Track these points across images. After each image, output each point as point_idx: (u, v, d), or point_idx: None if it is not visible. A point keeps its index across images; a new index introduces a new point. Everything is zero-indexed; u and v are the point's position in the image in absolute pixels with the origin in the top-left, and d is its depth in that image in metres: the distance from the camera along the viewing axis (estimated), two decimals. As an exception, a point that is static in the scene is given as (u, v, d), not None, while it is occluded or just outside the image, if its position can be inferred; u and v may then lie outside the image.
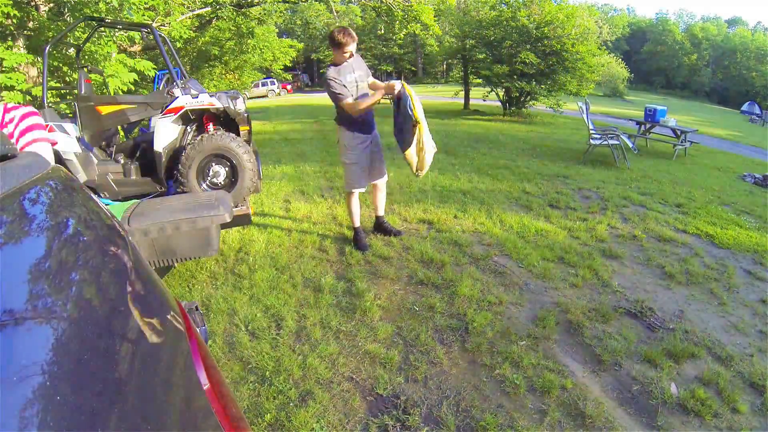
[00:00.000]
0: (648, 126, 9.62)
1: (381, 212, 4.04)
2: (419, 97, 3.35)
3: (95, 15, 5.00)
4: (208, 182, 3.48)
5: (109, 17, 5.21)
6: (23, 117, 1.72)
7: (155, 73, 7.23)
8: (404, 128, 3.34)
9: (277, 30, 16.98)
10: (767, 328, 2.89)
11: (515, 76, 13.56)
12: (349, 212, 3.88)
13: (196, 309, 1.06)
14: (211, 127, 3.58)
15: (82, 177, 3.34)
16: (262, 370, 2.34)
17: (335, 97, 3.43)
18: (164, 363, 0.62)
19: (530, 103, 14.93)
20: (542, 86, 13.67)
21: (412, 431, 2.00)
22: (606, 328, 2.81)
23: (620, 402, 2.22)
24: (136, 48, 7.81)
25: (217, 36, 11.52)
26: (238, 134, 3.58)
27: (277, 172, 6.60)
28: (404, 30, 12.61)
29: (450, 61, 21.76)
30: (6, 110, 1.70)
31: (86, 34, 4.99)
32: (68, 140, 3.28)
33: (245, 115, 3.59)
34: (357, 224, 3.86)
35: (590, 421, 2.06)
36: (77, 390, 0.44)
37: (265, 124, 13.74)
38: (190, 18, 8.99)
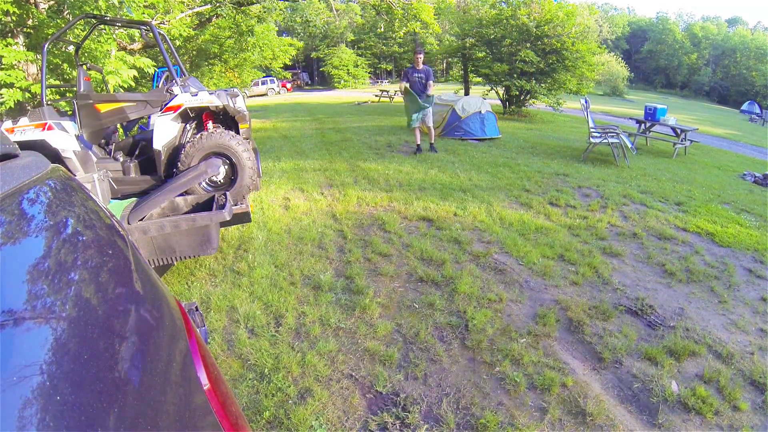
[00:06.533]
0: (648, 125, 9.61)
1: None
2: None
3: (95, 12, 4.98)
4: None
5: (109, 15, 5.20)
6: None
7: (155, 71, 7.21)
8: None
9: (276, 28, 16.92)
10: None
11: (515, 75, 13.54)
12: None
13: (196, 309, 1.06)
14: (210, 125, 3.58)
15: (81, 175, 3.33)
16: (261, 368, 2.34)
17: None
18: (164, 363, 0.62)
19: (530, 101, 14.92)
20: (542, 85, 13.65)
21: (412, 429, 2.00)
22: (606, 325, 2.81)
23: (621, 400, 2.22)
24: (136, 46, 7.79)
25: (217, 34, 11.49)
26: (237, 132, 3.58)
27: (276, 170, 6.59)
28: (404, 28, 12.59)
29: (450, 59, 21.74)
30: None
31: (86, 32, 4.98)
32: (67, 138, 3.28)
33: (245, 113, 3.58)
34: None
35: (591, 419, 2.06)
36: (77, 390, 0.44)
37: (265, 122, 13.73)
38: (189, 16, 8.95)
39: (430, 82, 7.51)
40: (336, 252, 3.78)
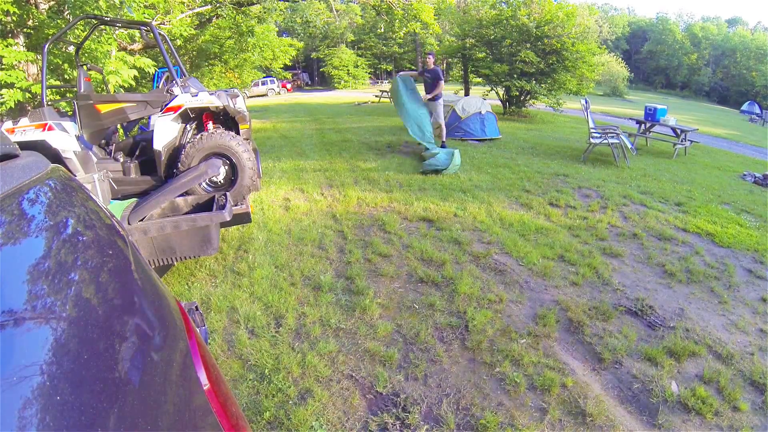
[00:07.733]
0: (648, 125, 9.61)
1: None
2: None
3: (95, 13, 4.99)
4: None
5: (109, 15, 5.20)
6: None
7: (155, 71, 7.21)
8: None
9: (277, 29, 16.92)
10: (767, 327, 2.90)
11: (515, 75, 13.53)
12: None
13: (196, 309, 1.06)
14: (210, 125, 3.58)
15: (81, 176, 3.33)
16: (262, 368, 2.34)
17: None
18: (164, 363, 0.62)
19: (530, 102, 14.91)
20: (542, 85, 13.64)
21: (412, 429, 2.00)
22: (606, 326, 2.81)
23: (621, 400, 2.22)
24: (137, 46, 7.79)
25: (217, 34, 11.49)
26: (237, 132, 3.58)
27: (276, 171, 6.59)
28: (404, 29, 12.59)
29: (450, 60, 21.72)
30: None
31: (86, 32, 4.98)
32: (68, 139, 3.28)
33: (245, 113, 3.58)
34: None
35: (591, 419, 2.06)
36: (77, 390, 0.44)
37: (265, 122, 13.73)
38: (189, 16, 8.96)
39: (441, 82, 7.51)
40: (336, 253, 3.78)
